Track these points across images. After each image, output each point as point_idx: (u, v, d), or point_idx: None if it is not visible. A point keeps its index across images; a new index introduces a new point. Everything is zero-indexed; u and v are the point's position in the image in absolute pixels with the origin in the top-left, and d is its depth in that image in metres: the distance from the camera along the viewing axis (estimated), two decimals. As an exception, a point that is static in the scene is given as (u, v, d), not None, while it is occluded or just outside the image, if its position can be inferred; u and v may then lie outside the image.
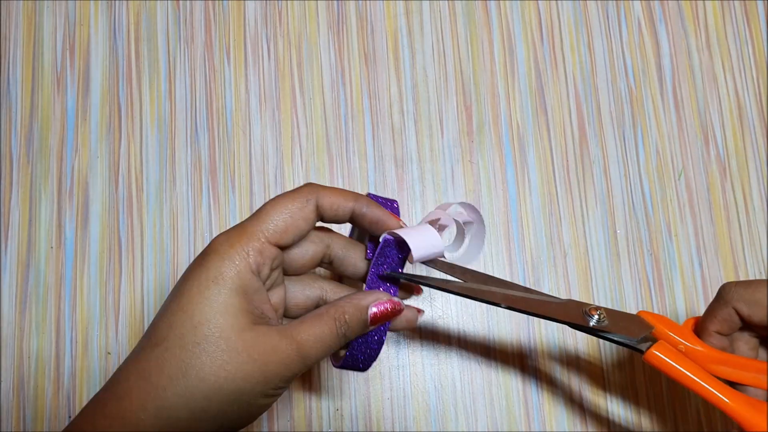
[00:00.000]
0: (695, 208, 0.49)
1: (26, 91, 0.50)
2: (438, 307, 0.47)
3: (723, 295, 0.36)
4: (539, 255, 0.48)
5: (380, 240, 0.34)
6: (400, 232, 0.33)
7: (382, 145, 0.49)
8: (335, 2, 0.52)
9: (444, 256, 0.35)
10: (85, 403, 0.46)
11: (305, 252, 0.35)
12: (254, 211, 0.33)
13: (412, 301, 0.40)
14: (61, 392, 0.46)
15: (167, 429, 0.28)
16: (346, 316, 0.32)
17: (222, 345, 0.29)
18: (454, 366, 0.46)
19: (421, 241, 0.33)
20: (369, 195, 0.35)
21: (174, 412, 0.28)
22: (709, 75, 0.51)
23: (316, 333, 0.31)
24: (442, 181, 0.49)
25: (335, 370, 0.46)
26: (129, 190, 0.49)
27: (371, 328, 0.33)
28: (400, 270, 0.35)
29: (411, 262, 0.34)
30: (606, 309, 0.35)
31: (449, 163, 0.49)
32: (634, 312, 0.37)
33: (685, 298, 0.48)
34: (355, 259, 0.36)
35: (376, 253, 0.34)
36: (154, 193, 0.48)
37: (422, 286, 0.37)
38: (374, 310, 0.32)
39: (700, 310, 0.48)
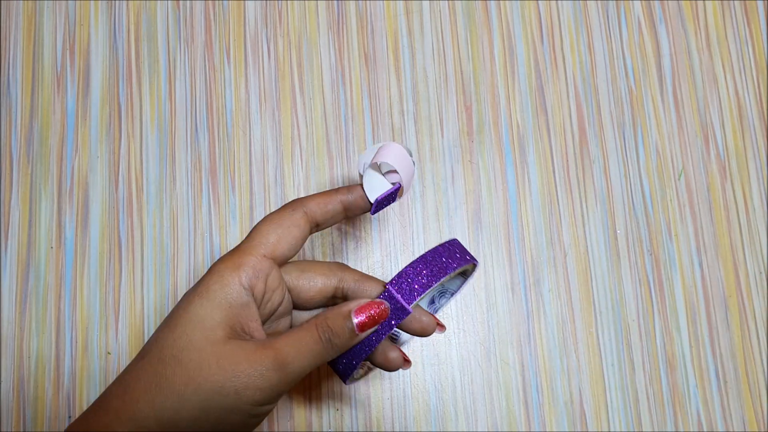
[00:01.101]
0: (695, 208, 0.49)
1: (26, 91, 0.50)
2: (438, 307, 0.47)
3: None
4: (539, 255, 0.48)
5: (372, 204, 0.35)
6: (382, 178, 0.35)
7: (382, 145, 0.49)
8: (335, 2, 0.52)
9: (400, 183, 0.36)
10: (84, 403, 0.46)
11: (313, 283, 0.34)
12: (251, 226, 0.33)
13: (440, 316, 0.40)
14: (61, 392, 0.46)
15: None
16: (328, 322, 0.31)
17: (194, 356, 0.29)
18: (454, 366, 0.46)
19: (406, 176, 0.35)
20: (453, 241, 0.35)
21: (145, 423, 0.28)
22: (709, 75, 0.51)
23: (295, 341, 0.30)
24: (442, 181, 0.49)
25: (335, 370, 0.46)
26: (129, 190, 0.49)
27: (362, 335, 0.32)
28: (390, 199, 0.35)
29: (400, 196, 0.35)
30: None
31: (449, 163, 0.49)
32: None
33: (685, 298, 0.48)
34: (370, 290, 0.35)
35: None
36: (154, 193, 0.48)
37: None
38: (358, 318, 0.31)
39: (701, 310, 0.48)
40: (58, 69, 0.50)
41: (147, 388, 0.29)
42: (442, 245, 0.34)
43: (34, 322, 0.47)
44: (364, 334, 0.32)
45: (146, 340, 0.46)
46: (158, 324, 0.46)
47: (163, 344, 0.29)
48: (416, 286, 0.32)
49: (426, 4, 0.52)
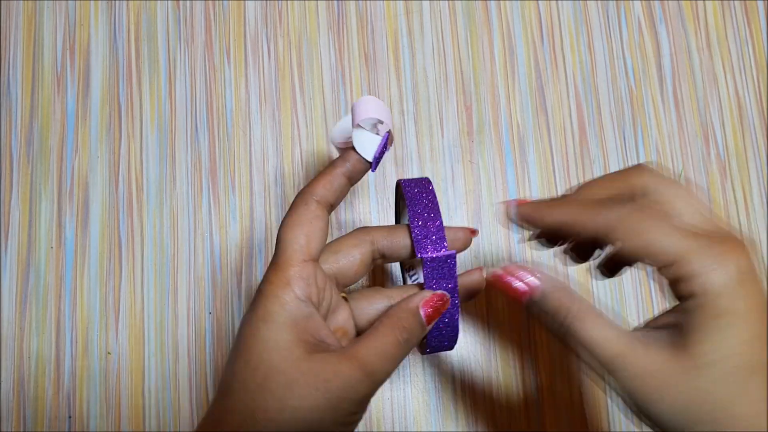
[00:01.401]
0: (695, 208, 0.49)
1: (26, 92, 0.50)
2: (438, 307, 0.47)
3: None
4: (539, 255, 0.48)
5: (402, 188, 0.34)
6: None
7: (382, 145, 0.49)
8: (335, 2, 0.52)
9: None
10: (84, 403, 0.46)
11: (353, 259, 0.34)
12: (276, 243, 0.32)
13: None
14: (61, 392, 0.46)
15: None
16: (404, 323, 0.31)
17: (281, 380, 0.28)
18: (454, 366, 0.46)
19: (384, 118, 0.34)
20: (400, 181, 0.35)
21: None
22: (709, 75, 0.51)
23: (377, 348, 0.30)
24: (442, 181, 0.49)
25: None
26: (129, 190, 0.49)
27: (430, 326, 0.32)
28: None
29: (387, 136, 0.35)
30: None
31: (449, 163, 0.49)
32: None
33: (685, 298, 0.48)
34: (401, 239, 0.34)
35: (407, 200, 0.34)
36: (154, 193, 0.48)
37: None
38: (425, 310, 0.32)
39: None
40: (58, 69, 0.50)
41: (243, 421, 0.28)
42: (406, 192, 0.34)
43: (34, 322, 0.47)
44: (430, 326, 0.32)
45: (146, 339, 0.46)
46: (158, 324, 0.46)
47: (244, 376, 0.29)
48: (434, 237, 0.33)
49: (426, 4, 0.52)
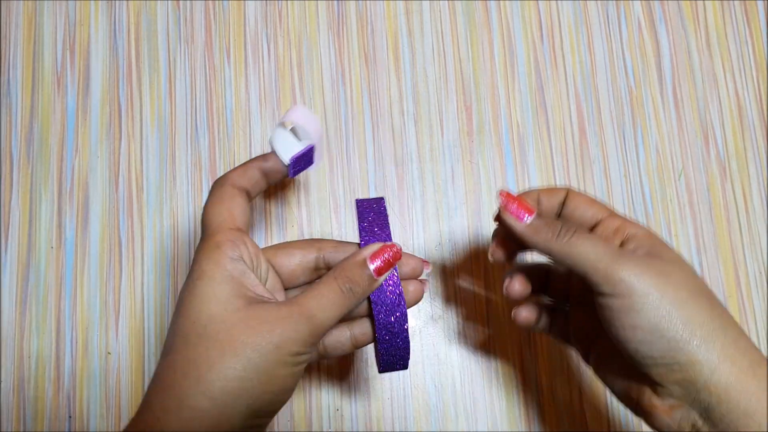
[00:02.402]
0: (695, 208, 0.49)
1: (26, 92, 0.50)
2: (438, 307, 0.47)
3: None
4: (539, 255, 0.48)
5: (356, 206, 0.35)
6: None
7: (382, 145, 0.49)
8: (335, 2, 0.52)
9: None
10: (85, 402, 0.46)
11: (291, 256, 0.35)
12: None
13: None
14: (61, 392, 0.46)
15: (191, 423, 0.28)
16: (346, 272, 0.32)
17: (221, 327, 0.29)
18: (454, 366, 0.46)
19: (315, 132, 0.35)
20: (356, 201, 0.36)
21: (195, 403, 0.28)
22: (709, 75, 0.51)
23: (317, 295, 0.31)
24: (442, 181, 0.49)
25: (336, 370, 0.46)
26: (129, 190, 0.49)
27: (380, 279, 0.32)
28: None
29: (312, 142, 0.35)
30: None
31: (449, 163, 0.49)
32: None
33: (685, 298, 0.48)
34: (350, 253, 0.35)
35: (357, 217, 0.35)
36: (155, 193, 0.48)
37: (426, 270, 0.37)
38: (374, 263, 0.32)
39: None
40: (59, 69, 0.50)
41: (186, 372, 0.28)
42: (359, 209, 0.35)
43: (34, 322, 0.47)
44: (381, 278, 0.32)
45: (146, 339, 0.46)
46: (158, 324, 0.46)
47: (184, 331, 0.29)
48: (382, 235, 0.34)
49: (426, 4, 0.52)
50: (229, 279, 0.30)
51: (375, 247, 0.33)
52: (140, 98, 0.50)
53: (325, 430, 0.45)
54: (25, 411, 0.46)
